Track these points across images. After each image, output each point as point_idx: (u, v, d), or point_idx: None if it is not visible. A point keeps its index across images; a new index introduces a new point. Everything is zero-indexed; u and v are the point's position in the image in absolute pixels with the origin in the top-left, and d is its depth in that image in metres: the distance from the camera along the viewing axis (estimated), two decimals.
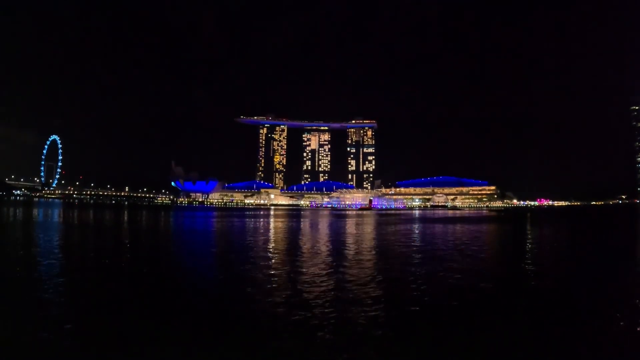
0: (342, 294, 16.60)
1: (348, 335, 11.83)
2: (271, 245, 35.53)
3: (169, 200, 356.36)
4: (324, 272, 21.30)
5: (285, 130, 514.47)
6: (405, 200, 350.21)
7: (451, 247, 34.12)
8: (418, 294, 16.87)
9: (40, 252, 26.82)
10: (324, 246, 34.36)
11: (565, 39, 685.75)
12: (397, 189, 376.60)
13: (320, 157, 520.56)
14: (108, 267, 22.61)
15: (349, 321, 12.98)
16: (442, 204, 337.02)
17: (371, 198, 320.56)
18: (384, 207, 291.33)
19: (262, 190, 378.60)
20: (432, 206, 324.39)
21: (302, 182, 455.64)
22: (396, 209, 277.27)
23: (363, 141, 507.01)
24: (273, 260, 25.52)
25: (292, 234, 47.60)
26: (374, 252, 30.94)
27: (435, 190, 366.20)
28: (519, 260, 27.84)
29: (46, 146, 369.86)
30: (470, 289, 18.04)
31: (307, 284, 18.38)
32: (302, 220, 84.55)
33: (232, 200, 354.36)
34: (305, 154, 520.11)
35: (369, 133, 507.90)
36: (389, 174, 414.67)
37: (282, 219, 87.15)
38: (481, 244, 38.01)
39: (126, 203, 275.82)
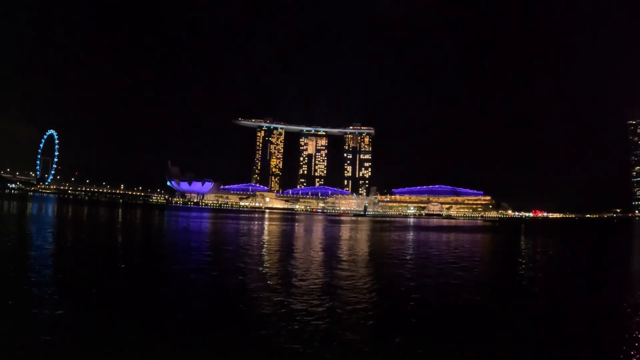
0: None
1: None
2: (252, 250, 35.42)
3: (164, 199, 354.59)
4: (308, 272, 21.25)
5: (283, 134, 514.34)
6: (400, 208, 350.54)
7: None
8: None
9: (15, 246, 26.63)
10: (312, 250, 34.27)
11: (563, 50, 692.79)
12: (393, 197, 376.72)
13: (316, 162, 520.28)
14: (76, 264, 22.48)
15: None
16: (437, 212, 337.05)
17: (366, 204, 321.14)
18: (377, 214, 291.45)
19: (258, 193, 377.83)
20: (427, 214, 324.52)
21: (298, 187, 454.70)
22: (390, 215, 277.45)
23: (360, 147, 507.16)
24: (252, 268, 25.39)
25: (285, 239, 47.53)
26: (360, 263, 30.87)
27: (431, 198, 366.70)
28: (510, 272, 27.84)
29: (43, 141, 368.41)
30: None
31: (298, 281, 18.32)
32: (295, 224, 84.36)
33: (227, 202, 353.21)
34: (302, 159, 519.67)
35: (366, 139, 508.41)
36: (385, 181, 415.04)
37: (275, 223, 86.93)
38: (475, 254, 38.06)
39: (120, 201, 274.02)
